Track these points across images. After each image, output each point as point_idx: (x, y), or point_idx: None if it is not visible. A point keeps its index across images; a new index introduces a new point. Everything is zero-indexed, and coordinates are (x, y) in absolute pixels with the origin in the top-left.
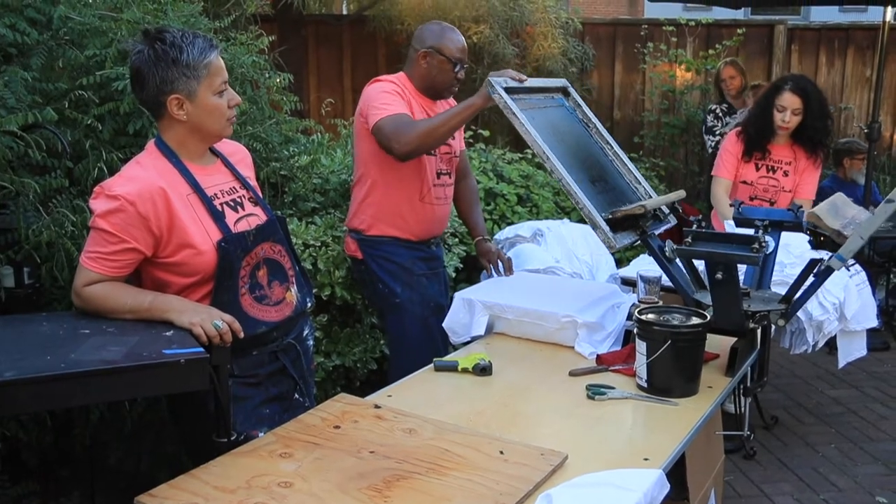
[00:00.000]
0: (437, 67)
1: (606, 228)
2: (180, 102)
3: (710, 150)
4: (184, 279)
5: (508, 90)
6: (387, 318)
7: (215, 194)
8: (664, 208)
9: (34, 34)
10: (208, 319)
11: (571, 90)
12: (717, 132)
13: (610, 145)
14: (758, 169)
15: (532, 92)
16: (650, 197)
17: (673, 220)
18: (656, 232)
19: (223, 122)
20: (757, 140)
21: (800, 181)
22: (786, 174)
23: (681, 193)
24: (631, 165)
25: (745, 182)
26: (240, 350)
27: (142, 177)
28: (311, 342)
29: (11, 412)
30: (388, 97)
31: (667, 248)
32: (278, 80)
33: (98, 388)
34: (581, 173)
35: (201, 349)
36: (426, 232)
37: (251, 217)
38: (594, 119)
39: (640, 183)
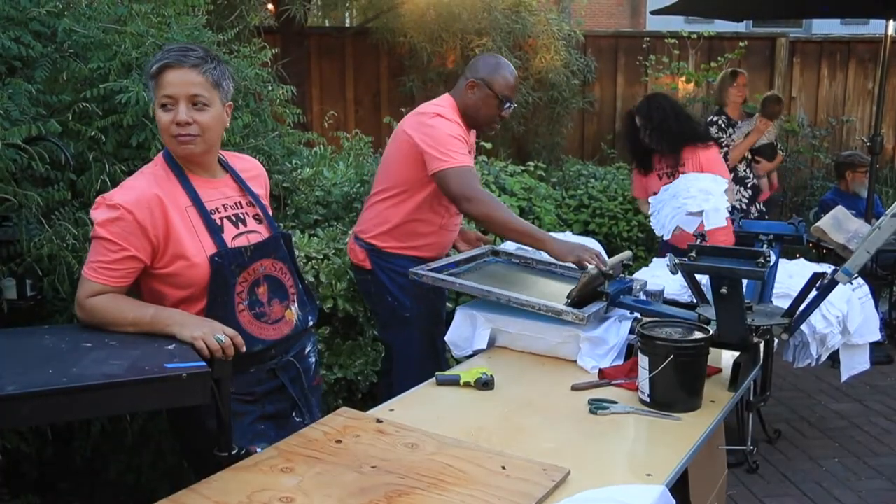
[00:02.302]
0: (483, 100)
1: (570, 309)
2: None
3: None
4: (179, 291)
5: (435, 269)
6: (393, 330)
7: (216, 208)
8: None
9: (38, 47)
10: (210, 333)
11: (499, 248)
12: (724, 144)
13: (556, 264)
14: (660, 178)
15: (460, 264)
16: None
17: (627, 279)
18: (616, 290)
19: (167, 137)
20: (641, 157)
21: (698, 165)
22: (675, 161)
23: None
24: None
25: (655, 193)
26: (237, 367)
27: (140, 186)
28: (312, 359)
29: (13, 425)
30: (459, 145)
31: (667, 262)
32: (281, 93)
33: (100, 402)
34: (531, 291)
35: (203, 363)
36: (437, 253)
37: (252, 234)
38: (530, 254)
39: None
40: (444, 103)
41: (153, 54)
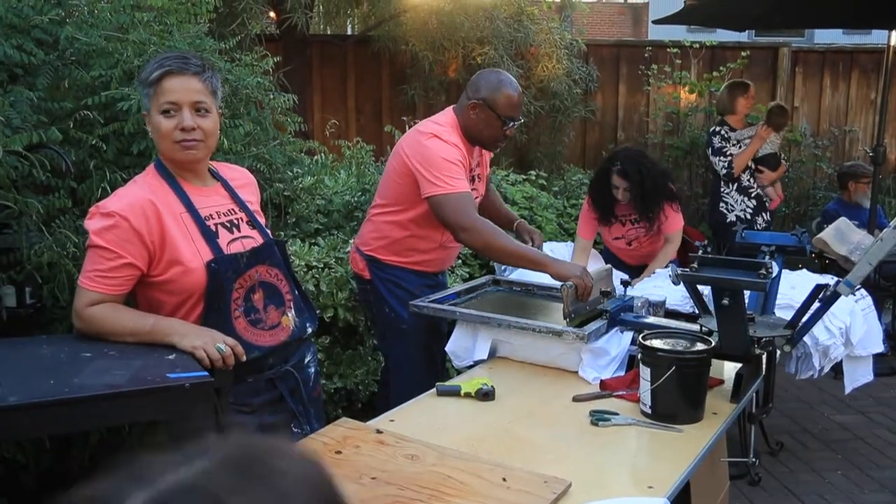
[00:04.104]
0: (485, 122)
1: (570, 329)
2: (147, 120)
3: (723, 171)
4: (175, 298)
5: (435, 301)
6: (390, 341)
7: (210, 215)
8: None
9: (40, 54)
10: (211, 343)
11: (499, 278)
12: (727, 153)
13: (557, 289)
14: (623, 224)
15: (460, 295)
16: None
17: (628, 296)
18: (616, 308)
19: (169, 143)
20: (606, 209)
21: (664, 220)
22: (649, 220)
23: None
24: None
25: (617, 238)
26: (235, 376)
27: (133, 192)
28: (312, 370)
29: (14, 437)
30: (455, 170)
31: (670, 273)
32: (283, 101)
33: (102, 413)
34: (534, 315)
35: (205, 373)
36: (437, 267)
37: (246, 239)
38: (531, 280)
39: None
40: (444, 122)
41: None
